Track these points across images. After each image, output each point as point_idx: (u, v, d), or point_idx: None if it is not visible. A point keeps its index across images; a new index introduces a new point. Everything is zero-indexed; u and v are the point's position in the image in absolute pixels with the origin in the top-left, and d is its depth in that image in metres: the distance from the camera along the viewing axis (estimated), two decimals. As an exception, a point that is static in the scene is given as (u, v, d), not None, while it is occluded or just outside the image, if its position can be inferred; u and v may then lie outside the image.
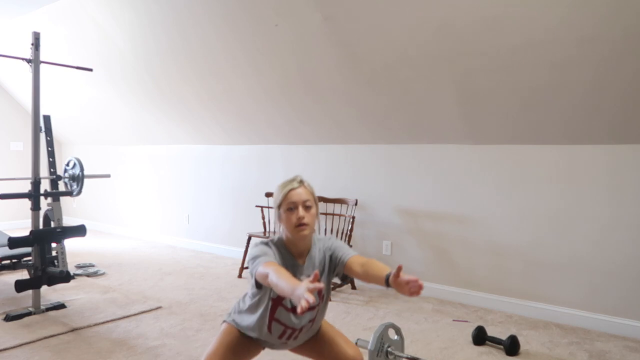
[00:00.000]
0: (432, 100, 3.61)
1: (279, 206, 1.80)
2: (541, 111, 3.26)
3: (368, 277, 1.73)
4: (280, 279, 1.50)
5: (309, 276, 1.82)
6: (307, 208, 1.78)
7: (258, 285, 1.79)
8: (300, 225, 1.76)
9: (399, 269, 1.54)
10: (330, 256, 1.87)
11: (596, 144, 3.26)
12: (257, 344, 1.93)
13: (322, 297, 1.87)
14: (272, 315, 1.82)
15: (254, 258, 1.74)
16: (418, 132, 3.95)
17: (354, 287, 4.20)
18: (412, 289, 1.51)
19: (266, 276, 1.59)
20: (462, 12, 2.97)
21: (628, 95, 2.90)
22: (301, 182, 1.82)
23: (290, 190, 1.78)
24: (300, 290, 1.37)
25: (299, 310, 1.33)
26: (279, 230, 1.86)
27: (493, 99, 3.35)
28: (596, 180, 3.28)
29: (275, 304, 1.81)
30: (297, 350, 2.02)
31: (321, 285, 1.39)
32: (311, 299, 1.31)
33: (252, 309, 1.86)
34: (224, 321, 1.96)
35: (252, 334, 1.89)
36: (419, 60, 3.40)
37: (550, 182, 3.45)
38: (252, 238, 4.53)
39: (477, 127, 3.62)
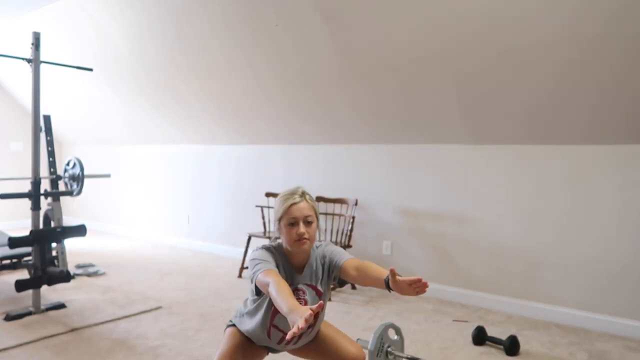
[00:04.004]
0: (433, 100, 3.61)
1: (279, 219, 1.76)
2: (542, 111, 3.25)
3: (365, 281, 1.70)
4: (279, 295, 1.48)
5: (306, 286, 1.81)
6: (308, 223, 1.74)
7: (257, 292, 1.77)
8: (300, 240, 1.74)
9: (392, 273, 1.52)
10: (328, 263, 1.85)
11: (598, 144, 3.25)
12: (261, 347, 1.93)
13: (321, 307, 1.86)
14: (272, 321, 1.81)
15: (255, 263, 1.71)
16: (419, 132, 3.94)
17: (353, 288, 4.20)
18: (417, 290, 1.50)
19: (267, 285, 1.57)
20: (464, 12, 2.97)
21: (632, 94, 2.90)
22: (303, 194, 1.77)
23: (292, 205, 1.74)
24: (295, 316, 1.36)
25: (288, 336, 1.32)
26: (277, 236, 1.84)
27: (495, 98, 3.35)
28: (596, 180, 3.27)
29: (276, 311, 1.78)
30: (298, 352, 2.01)
31: (318, 307, 1.38)
32: (302, 325, 1.31)
33: (251, 313, 1.85)
34: (229, 324, 1.95)
35: (253, 338, 1.87)
36: (420, 60, 3.39)
37: (551, 183, 3.44)
38: (252, 238, 4.52)
39: (479, 127, 3.62)
